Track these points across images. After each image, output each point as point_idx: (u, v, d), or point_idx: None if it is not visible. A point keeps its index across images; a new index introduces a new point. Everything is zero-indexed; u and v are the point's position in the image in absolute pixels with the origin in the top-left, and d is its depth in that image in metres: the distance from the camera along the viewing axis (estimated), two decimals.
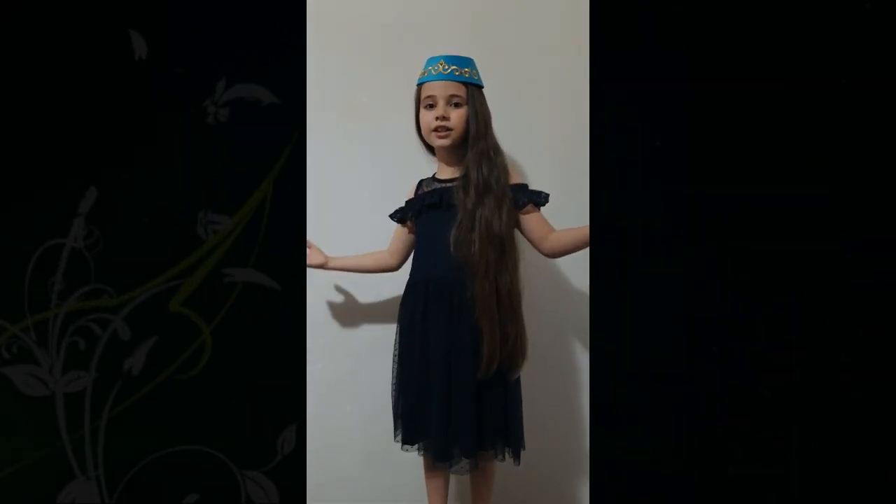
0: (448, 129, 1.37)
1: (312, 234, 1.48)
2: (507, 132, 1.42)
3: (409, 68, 1.48)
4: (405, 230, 1.51)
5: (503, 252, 1.34)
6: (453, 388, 1.33)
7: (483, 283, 1.31)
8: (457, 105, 1.38)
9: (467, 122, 1.38)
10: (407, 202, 1.48)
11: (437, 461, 1.36)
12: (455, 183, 1.39)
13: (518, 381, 1.39)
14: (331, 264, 1.55)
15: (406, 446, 1.41)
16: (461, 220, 1.33)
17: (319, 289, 1.65)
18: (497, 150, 1.39)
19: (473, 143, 1.37)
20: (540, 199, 1.42)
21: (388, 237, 1.55)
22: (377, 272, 1.55)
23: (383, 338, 1.53)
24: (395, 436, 1.43)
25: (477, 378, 1.31)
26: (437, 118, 1.37)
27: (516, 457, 1.38)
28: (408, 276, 1.46)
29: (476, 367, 1.31)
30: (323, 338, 1.63)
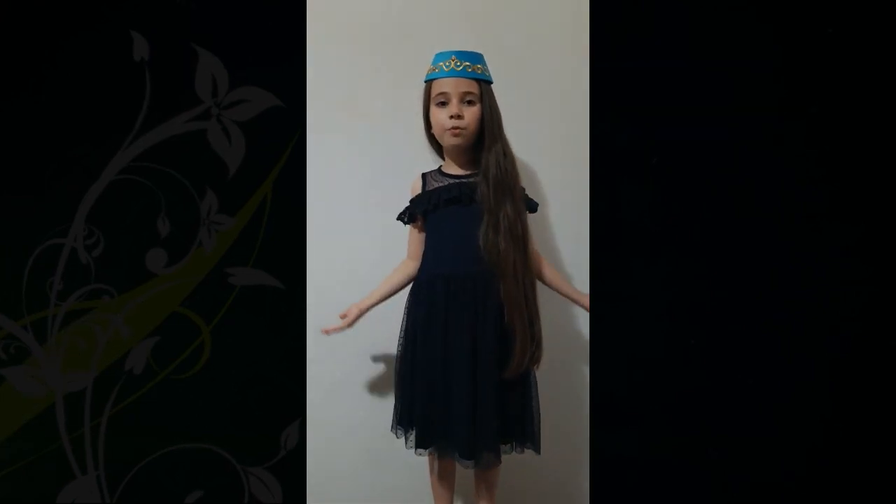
0: (462, 127, 1.35)
1: (312, 234, 1.48)
2: (508, 131, 1.42)
3: (409, 68, 1.48)
4: (419, 230, 1.46)
5: (525, 252, 1.36)
6: (479, 385, 1.32)
7: (513, 284, 1.32)
8: (470, 103, 1.35)
9: (481, 119, 1.36)
10: (415, 199, 1.44)
11: (465, 459, 1.34)
12: (471, 178, 1.38)
13: (534, 376, 1.39)
14: (364, 307, 1.46)
15: (420, 450, 1.38)
16: (487, 220, 1.33)
17: (320, 287, 1.64)
18: (509, 149, 1.39)
19: (490, 143, 1.35)
20: (530, 205, 1.44)
21: (388, 236, 1.54)
22: (409, 283, 1.47)
23: (384, 337, 1.53)
24: (407, 440, 1.40)
25: (503, 377, 1.32)
26: (451, 116, 1.34)
27: (536, 448, 1.39)
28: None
29: (500, 364, 1.32)
30: (323, 337, 1.63)
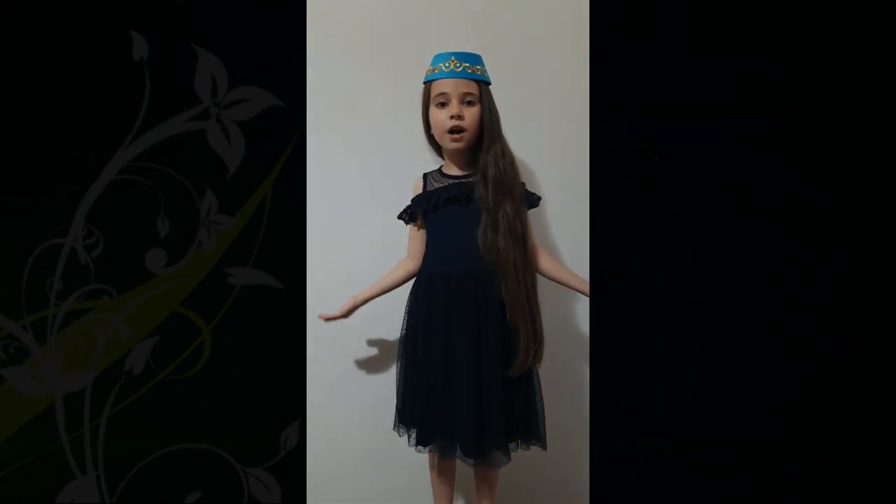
0: (462, 129, 1.36)
1: (312, 234, 1.49)
2: (507, 131, 1.42)
3: (409, 68, 1.48)
4: (418, 228, 1.47)
5: (526, 249, 1.36)
6: (483, 384, 1.32)
7: (514, 283, 1.32)
8: (470, 103, 1.36)
9: (480, 120, 1.37)
10: (416, 198, 1.46)
11: (471, 458, 1.35)
12: (470, 179, 1.38)
13: (537, 373, 1.40)
14: (359, 300, 1.48)
15: (420, 447, 1.39)
16: (486, 220, 1.33)
17: (320, 287, 1.65)
18: (507, 149, 1.39)
19: (489, 143, 1.36)
20: (533, 200, 1.44)
21: (388, 236, 1.55)
22: (407, 281, 1.49)
23: (384, 337, 1.53)
24: (409, 437, 1.41)
25: (508, 375, 1.32)
26: (451, 117, 1.35)
27: (543, 445, 1.39)
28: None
29: (502, 362, 1.32)
30: (323, 337, 1.63)
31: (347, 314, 1.47)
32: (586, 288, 1.39)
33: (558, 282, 1.45)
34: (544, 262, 1.45)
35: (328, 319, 1.47)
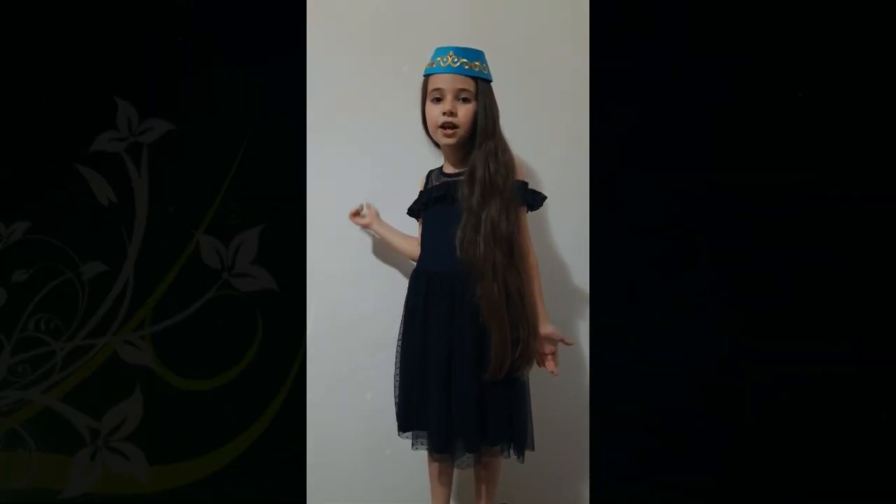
0: (454, 125, 1.34)
1: (312, 235, 1.49)
2: (506, 131, 1.42)
3: (410, 67, 1.48)
4: (420, 224, 1.47)
5: (511, 253, 1.31)
6: (454, 382, 1.31)
7: (491, 286, 1.28)
8: (465, 100, 1.34)
9: (475, 118, 1.34)
10: (419, 194, 1.46)
11: (437, 452, 1.35)
12: (460, 177, 1.36)
13: (525, 380, 1.38)
14: (374, 226, 1.57)
15: (402, 433, 1.41)
16: (466, 220, 1.30)
17: (320, 287, 1.65)
18: (504, 147, 1.36)
19: (481, 141, 1.33)
20: (535, 201, 1.41)
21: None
22: (408, 258, 1.51)
23: (384, 336, 1.53)
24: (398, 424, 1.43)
25: (483, 379, 1.29)
26: (443, 113, 1.33)
27: (520, 454, 1.36)
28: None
29: (480, 365, 1.29)
30: (323, 336, 1.63)
31: (365, 223, 1.58)
32: (549, 334, 1.33)
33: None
34: (526, 274, 1.34)
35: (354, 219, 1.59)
